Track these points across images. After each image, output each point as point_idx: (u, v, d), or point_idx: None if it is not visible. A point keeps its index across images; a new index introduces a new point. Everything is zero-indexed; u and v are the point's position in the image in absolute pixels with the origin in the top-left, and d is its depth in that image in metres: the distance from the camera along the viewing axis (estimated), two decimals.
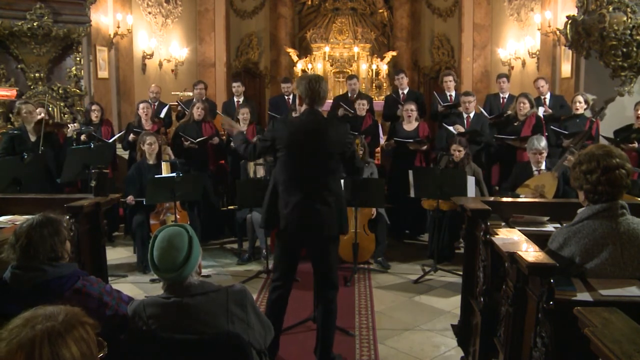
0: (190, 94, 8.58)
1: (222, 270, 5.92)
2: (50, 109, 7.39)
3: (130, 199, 5.80)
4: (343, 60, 12.19)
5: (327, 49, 12.04)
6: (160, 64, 10.20)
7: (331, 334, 3.72)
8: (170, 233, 2.28)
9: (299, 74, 11.68)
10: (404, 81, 7.90)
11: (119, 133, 7.31)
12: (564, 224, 2.69)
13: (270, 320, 3.40)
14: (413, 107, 6.95)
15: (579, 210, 2.65)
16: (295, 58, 12.05)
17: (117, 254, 6.44)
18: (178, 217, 5.68)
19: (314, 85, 3.53)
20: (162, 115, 7.90)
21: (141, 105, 7.23)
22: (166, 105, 8.26)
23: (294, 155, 3.54)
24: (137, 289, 5.31)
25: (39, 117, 6.26)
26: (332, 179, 3.58)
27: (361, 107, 7.16)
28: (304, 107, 3.62)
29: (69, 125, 6.68)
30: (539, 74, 8.90)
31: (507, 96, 7.91)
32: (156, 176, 5.74)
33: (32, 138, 6.13)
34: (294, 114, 6.80)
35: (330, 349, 3.71)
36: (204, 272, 5.56)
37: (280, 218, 3.57)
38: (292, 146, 3.53)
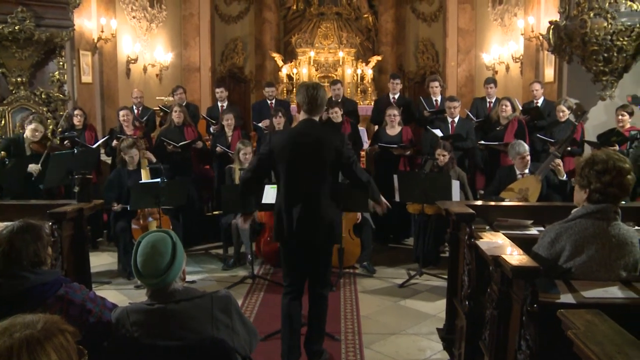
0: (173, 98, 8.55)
1: (207, 276, 5.88)
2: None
3: (117, 205, 5.75)
4: (328, 65, 12.23)
5: (312, 53, 12.06)
6: (145, 69, 10.14)
7: (322, 326, 3.76)
8: (153, 239, 2.27)
9: (284, 79, 11.71)
10: (397, 87, 7.89)
11: (102, 138, 7.25)
12: (555, 224, 2.72)
13: (285, 327, 3.40)
14: (396, 112, 6.98)
15: (574, 210, 2.70)
16: (280, 63, 12.05)
17: (101, 260, 6.38)
18: (161, 222, 5.64)
19: (311, 93, 3.52)
20: (144, 119, 7.85)
21: (121, 113, 7.19)
22: (150, 110, 8.23)
23: (292, 165, 3.54)
24: (121, 295, 5.26)
25: (38, 134, 6.23)
26: (328, 188, 3.58)
27: (334, 114, 7.15)
28: (301, 116, 3.62)
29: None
30: (522, 79, 8.99)
31: (494, 101, 7.96)
32: (141, 181, 5.70)
33: (28, 151, 6.14)
34: (274, 119, 6.81)
35: (321, 341, 3.76)
36: (189, 277, 5.54)
37: (281, 227, 3.60)
38: (290, 157, 3.53)
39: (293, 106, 8.66)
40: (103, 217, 6.80)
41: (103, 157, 7.40)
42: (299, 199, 3.52)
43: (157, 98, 9.48)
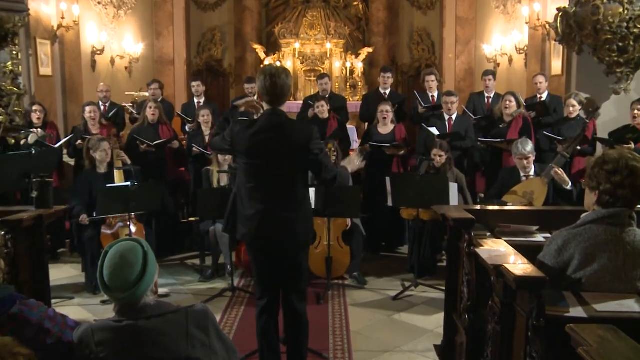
0: (147, 94, 8.49)
1: (181, 289, 5.84)
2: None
3: (83, 218, 5.69)
4: (314, 58, 12.24)
5: (297, 45, 12.06)
6: (113, 61, 10.06)
7: (302, 344, 3.73)
8: (122, 248, 2.24)
9: None
10: (389, 81, 7.90)
11: (65, 137, 7.14)
12: (563, 230, 2.72)
13: (264, 346, 3.38)
14: (388, 107, 6.98)
15: (584, 215, 2.70)
16: (262, 55, 12.05)
17: (63, 273, 6.31)
18: (133, 230, 5.60)
19: (274, 80, 3.44)
20: (110, 115, 7.76)
21: (87, 109, 7.04)
22: (118, 106, 8.14)
23: (255, 161, 3.51)
24: (85, 312, 5.20)
25: None
26: (297, 186, 3.57)
27: (321, 108, 7.16)
28: (265, 107, 3.60)
29: (30, 131, 6.51)
30: (527, 71, 9.02)
31: (492, 95, 7.99)
32: (108, 185, 5.65)
33: None
34: (255, 116, 6.77)
35: None
36: (162, 291, 5.52)
37: (243, 228, 3.58)
38: (252, 152, 3.51)
39: None
40: (65, 224, 6.72)
41: (66, 158, 7.30)
42: (261, 199, 3.50)
43: (126, 93, 9.39)
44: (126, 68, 10.40)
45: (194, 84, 8.47)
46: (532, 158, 5.43)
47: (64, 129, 8.31)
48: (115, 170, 5.92)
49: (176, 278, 6.17)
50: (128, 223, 5.54)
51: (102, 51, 9.65)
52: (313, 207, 4.27)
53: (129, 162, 6.30)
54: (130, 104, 8.47)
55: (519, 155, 5.40)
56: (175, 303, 2.39)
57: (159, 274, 2.34)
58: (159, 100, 7.77)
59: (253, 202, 3.52)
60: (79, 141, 6.76)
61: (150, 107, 7.05)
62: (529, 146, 5.42)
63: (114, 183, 5.79)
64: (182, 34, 11.38)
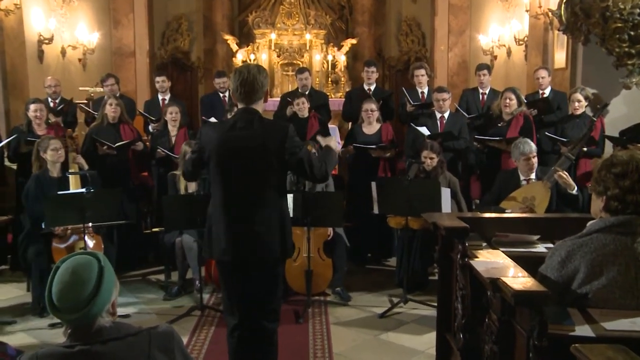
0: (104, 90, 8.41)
1: (144, 308, 5.80)
2: None
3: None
4: (292, 50, 12.26)
5: (273, 35, 12.08)
6: (63, 52, 9.92)
7: None
8: (75, 263, 2.20)
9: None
10: (373, 76, 7.94)
11: (6, 139, 6.92)
12: (567, 239, 2.73)
13: None
14: (374, 106, 7.00)
15: (589, 223, 2.70)
16: (234, 47, 12.04)
17: (4, 294, 6.22)
18: (90, 243, 5.55)
19: (245, 77, 3.52)
20: (60, 109, 7.63)
21: (32, 107, 6.78)
22: (73, 104, 8.03)
23: (226, 166, 3.55)
24: (30, 337, 5.11)
25: None
26: (272, 193, 3.59)
27: (301, 106, 7.16)
28: (239, 106, 3.65)
29: None
30: (527, 65, 9.08)
31: (487, 92, 8.04)
32: (59, 192, 5.57)
33: None
34: (229, 115, 6.76)
35: None
36: (122, 311, 5.45)
37: (214, 244, 3.61)
38: (222, 153, 3.54)
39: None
40: (7, 237, 6.62)
41: (6, 162, 7.13)
42: (233, 206, 3.54)
43: (80, 89, 9.29)
44: (79, 60, 10.28)
45: (158, 79, 8.42)
46: (535, 159, 5.46)
47: (5, 128, 8.07)
48: (69, 175, 5.84)
49: (138, 296, 6.12)
50: (83, 235, 5.48)
51: (50, 40, 9.48)
52: (291, 215, 4.27)
53: (86, 166, 6.23)
54: (85, 102, 8.37)
55: (523, 156, 5.41)
56: (136, 324, 2.36)
57: (119, 291, 2.30)
58: (117, 95, 7.69)
59: (224, 212, 3.55)
60: (23, 145, 6.55)
61: (111, 105, 6.96)
62: (531, 146, 5.45)
63: (68, 190, 5.71)
64: (144, 22, 11.33)
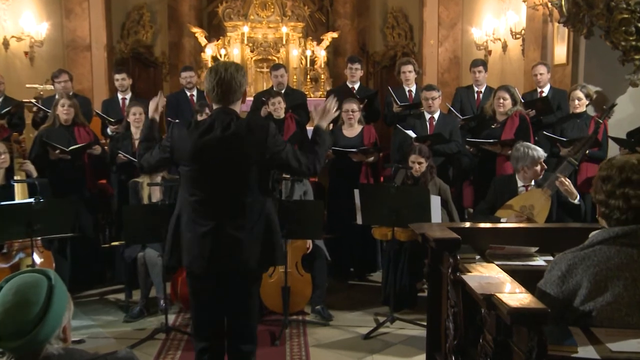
0: (55, 87, 8.32)
1: (101, 332, 5.75)
2: None
3: None
4: (267, 45, 12.29)
5: (245, 28, 12.09)
6: (6, 43, 9.75)
7: None
8: (21, 282, 2.17)
9: (209, 62, 11.63)
10: (358, 73, 7.98)
11: None
12: (568, 252, 2.73)
13: None
14: (355, 106, 7.01)
15: (592, 233, 2.71)
16: (203, 41, 12.03)
17: None
18: (38, 261, 5.48)
19: (222, 76, 3.56)
20: (4, 112, 7.56)
21: None
22: (15, 102, 7.92)
23: (201, 170, 3.57)
24: None
25: None
26: (254, 196, 3.60)
27: (277, 105, 7.15)
28: (214, 107, 3.69)
29: None
30: (525, 60, 9.13)
31: (483, 90, 8.07)
32: (3, 203, 5.50)
33: None
34: (199, 117, 6.74)
35: None
36: (76, 335, 5.38)
37: (184, 252, 3.61)
38: (197, 158, 3.55)
39: None
40: None
41: None
42: (210, 214, 3.56)
43: (27, 86, 9.20)
44: (26, 54, 10.13)
45: (117, 76, 8.37)
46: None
47: None
48: (15, 184, 5.78)
49: (94, 318, 6.06)
50: (31, 251, 5.42)
51: None
52: None
53: (34, 173, 6.17)
54: (34, 100, 8.27)
55: (532, 161, 5.37)
56: (92, 350, 2.32)
57: (72, 313, 2.27)
58: (70, 94, 7.62)
59: (199, 218, 3.56)
60: None
61: (63, 105, 6.89)
62: (538, 150, 5.42)
63: (13, 198, 5.67)
64: (101, 12, 11.24)
